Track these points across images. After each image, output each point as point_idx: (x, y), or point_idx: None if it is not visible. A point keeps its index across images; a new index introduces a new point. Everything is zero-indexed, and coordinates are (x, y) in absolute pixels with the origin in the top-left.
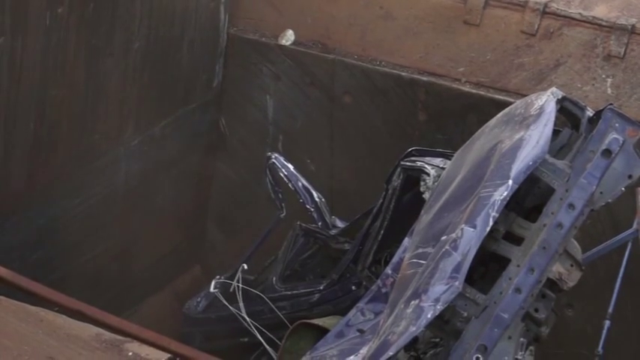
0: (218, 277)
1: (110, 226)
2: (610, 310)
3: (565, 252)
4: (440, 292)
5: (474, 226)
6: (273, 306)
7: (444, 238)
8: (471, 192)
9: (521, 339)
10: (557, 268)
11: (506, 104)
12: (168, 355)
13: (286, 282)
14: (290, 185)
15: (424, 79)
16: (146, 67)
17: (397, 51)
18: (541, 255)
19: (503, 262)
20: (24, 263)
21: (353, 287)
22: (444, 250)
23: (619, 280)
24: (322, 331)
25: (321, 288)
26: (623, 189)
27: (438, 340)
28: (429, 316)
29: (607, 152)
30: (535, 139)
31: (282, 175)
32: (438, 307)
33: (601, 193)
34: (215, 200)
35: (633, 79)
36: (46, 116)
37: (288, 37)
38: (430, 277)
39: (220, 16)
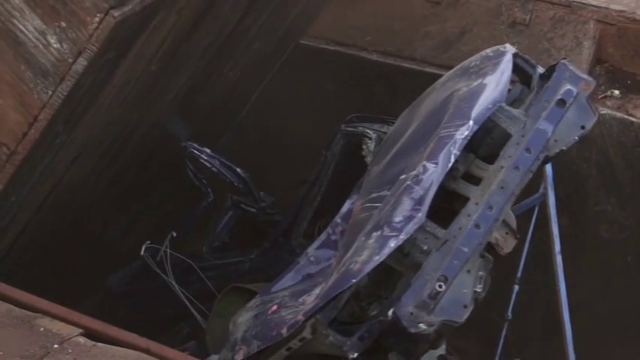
0: (148, 242)
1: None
2: (518, 274)
3: (502, 220)
4: (403, 223)
5: (436, 163)
6: (201, 274)
7: (402, 177)
8: (428, 136)
9: (480, 272)
10: (494, 234)
11: (413, 72)
12: (80, 330)
13: (215, 252)
14: (213, 169)
15: (331, 48)
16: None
17: None
18: (499, 194)
19: (456, 202)
20: None
21: (285, 255)
22: (405, 185)
23: (527, 244)
24: (254, 297)
25: (253, 257)
26: (576, 138)
27: (380, 293)
28: (392, 245)
29: (561, 102)
30: (493, 85)
31: (202, 161)
32: (402, 236)
33: (555, 140)
34: None
35: (539, 45)
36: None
37: None
38: (392, 210)
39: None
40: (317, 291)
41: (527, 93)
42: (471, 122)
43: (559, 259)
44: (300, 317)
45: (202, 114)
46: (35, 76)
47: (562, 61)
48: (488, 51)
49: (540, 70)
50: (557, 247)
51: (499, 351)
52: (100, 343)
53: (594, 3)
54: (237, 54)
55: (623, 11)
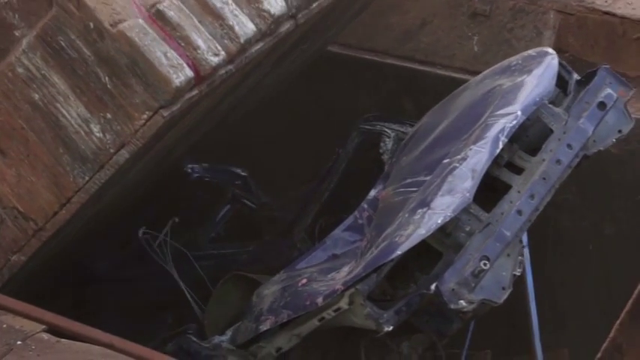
0: (144, 227)
1: None
2: None
3: None
4: (451, 201)
5: (484, 147)
6: (195, 263)
7: (446, 161)
8: (470, 126)
9: (519, 257)
10: None
11: (375, 64)
12: (43, 327)
13: (211, 243)
14: (214, 180)
15: None
16: None
17: None
18: (541, 184)
19: (494, 191)
20: None
21: (285, 250)
22: (451, 167)
23: None
24: (254, 285)
25: (250, 249)
26: (614, 140)
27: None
28: (439, 221)
29: (602, 104)
30: (539, 81)
31: (202, 177)
32: (449, 214)
33: (594, 141)
34: None
35: (499, 36)
36: None
37: None
38: (438, 189)
39: None
40: (346, 269)
41: (562, 97)
42: (519, 112)
43: (526, 251)
44: (339, 287)
45: (206, 145)
46: (73, 161)
47: (603, 66)
48: (531, 51)
49: (576, 76)
50: (525, 239)
51: (467, 343)
52: (63, 339)
53: None
54: (248, 102)
55: (583, 1)
